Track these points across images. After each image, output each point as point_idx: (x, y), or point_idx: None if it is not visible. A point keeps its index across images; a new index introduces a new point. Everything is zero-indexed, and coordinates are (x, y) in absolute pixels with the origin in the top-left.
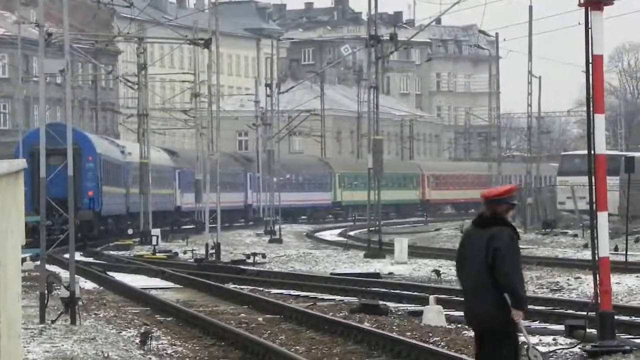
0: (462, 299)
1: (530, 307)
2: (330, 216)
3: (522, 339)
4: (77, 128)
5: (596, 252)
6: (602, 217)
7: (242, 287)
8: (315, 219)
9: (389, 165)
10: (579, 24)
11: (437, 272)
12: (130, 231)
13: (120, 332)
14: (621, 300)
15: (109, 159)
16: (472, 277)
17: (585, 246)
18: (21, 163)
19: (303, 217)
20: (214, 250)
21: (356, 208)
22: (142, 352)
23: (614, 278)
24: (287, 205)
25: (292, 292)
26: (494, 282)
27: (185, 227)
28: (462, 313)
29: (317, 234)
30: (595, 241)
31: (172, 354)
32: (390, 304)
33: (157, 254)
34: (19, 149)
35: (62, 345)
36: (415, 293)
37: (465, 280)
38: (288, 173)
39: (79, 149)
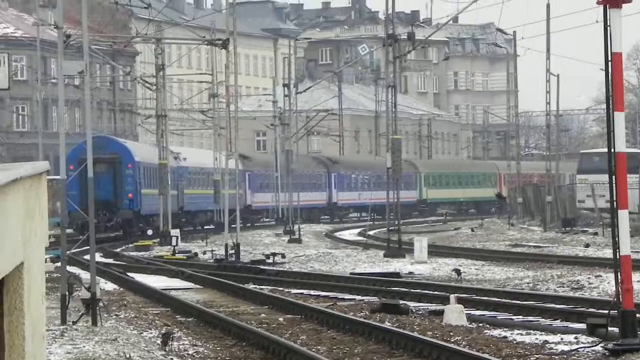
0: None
1: (551, 305)
2: (416, 213)
3: None
4: (117, 139)
5: (617, 250)
6: (623, 215)
7: (262, 287)
8: (402, 216)
9: (470, 165)
10: (597, 21)
11: (458, 271)
12: (150, 232)
13: (142, 333)
14: None
15: (151, 165)
16: None
17: (587, 246)
18: (44, 165)
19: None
20: (233, 251)
21: (442, 205)
22: (163, 352)
23: (636, 276)
24: (371, 203)
25: (312, 292)
26: None
27: (257, 223)
28: (483, 312)
29: (336, 234)
30: (617, 239)
31: (194, 354)
32: (411, 304)
33: (176, 254)
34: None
35: (84, 346)
36: (436, 292)
37: None
38: (374, 173)
39: (119, 157)
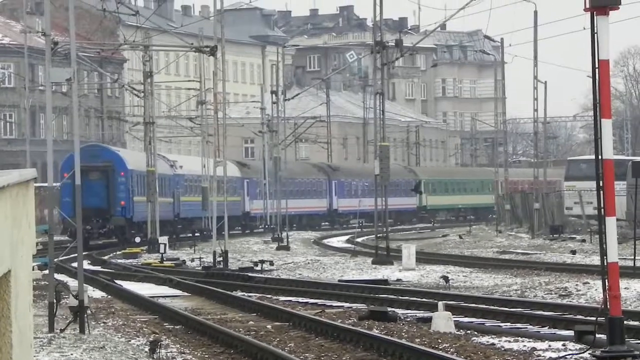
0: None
1: (539, 312)
2: (414, 219)
3: None
4: (110, 148)
5: (605, 257)
6: (610, 222)
7: (250, 294)
8: (402, 222)
9: (468, 172)
10: (585, 28)
11: (446, 278)
12: (137, 239)
13: (129, 341)
14: (630, 305)
15: (144, 172)
16: None
17: (573, 252)
18: (31, 172)
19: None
20: (221, 258)
21: (441, 211)
22: None
23: (623, 283)
24: (370, 210)
25: (301, 300)
26: None
27: (257, 230)
28: (471, 319)
29: (324, 241)
30: (604, 246)
31: None
32: (399, 311)
33: (164, 262)
34: (64, 165)
35: (72, 354)
36: (424, 299)
37: None
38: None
39: (112, 166)
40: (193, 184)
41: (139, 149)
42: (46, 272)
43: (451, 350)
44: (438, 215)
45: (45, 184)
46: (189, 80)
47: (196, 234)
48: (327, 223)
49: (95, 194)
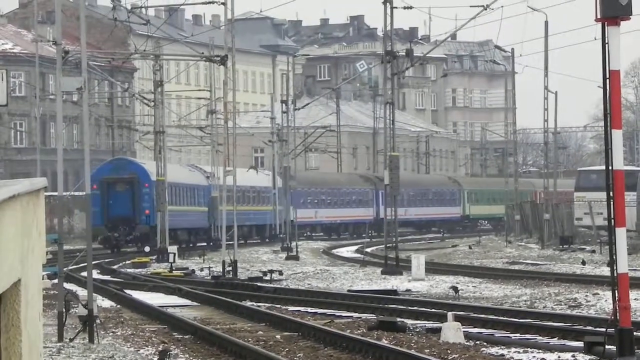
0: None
1: (548, 323)
2: (459, 228)
3: None
4: (135, 161)
5: (615, 268)
6: (620, 233)
7: (259, 304)
8: (447, 231)
9: (507, 183)
10: (595, 39)
11: (455, 289)
12: (147, 248)
13: (139, 350)
14: None
15: (174, 184)
16: None
17: (583, 263)
18: (42, 181)
19: (434, 228)
20: (230, 268)
21: (482, 220)
22: None
23: (633, 294)
24: (417, 219)
25: (310, 310)
26: None
27: (301, 237)
28: (481, 330)
29: (333, 251)
30: (614, 257)
31: None
32: (408, 321)
33: (174, 271)
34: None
35: None
36: (433, 310)
37: None
38: (418, 189)
39: (137, 177)
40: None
41: (149, 158)
42: (56, 281)
43: None
44: (480, 224)
45: (56, 193)
46: (199, 90)
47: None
48: (371, 231)
49: (122, 203)
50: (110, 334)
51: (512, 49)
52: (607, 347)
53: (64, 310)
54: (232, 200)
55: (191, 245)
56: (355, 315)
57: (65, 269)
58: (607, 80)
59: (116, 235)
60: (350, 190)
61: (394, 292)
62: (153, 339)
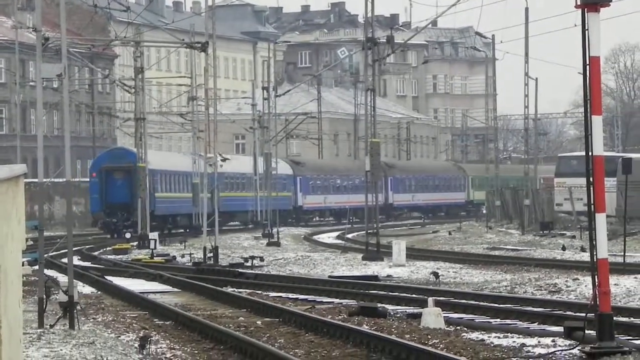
0: (463, 301)
1: (529, 308)
2: (463, 213)
3: None
4: (133, 150)
5: (595, 253)
6: (600, 219)
7: (240, 290)
8: (451, 216)
9: (510, 169)
10: (576, 25)
11: (436, 275)
12: (128, 235)
13: (119, 337)
14: (620, 301)
15: (166, 171)
16: None
17: (563, 249)
18: (21, 168)
19: (440, 213)
20: (211, 254)
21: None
22: (140, 356)
23: (613, 279)
24: (424, 204)
25: (291, 295)
26: None
27: (311, 222)
28: (461, 315)
29: (314, 237)
30: (594, 242)
31: (171, 357)
32: (389, 307)
33: (155, 257)
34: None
35: (61, 349)
36: (414, 295)
37: None
38: (426, 176)
39: (135, 166)
40: (235, 181)
41: (130, 145)
42: (36, 267)
43: (441, 346)
44: (483, 208)
45: (36, 180)
46: (180, 76)
47: (247, 226)
48: (382, 216)
49: (119, 191)
50: (91, 320)
51: (493, 35)
52: (587, 332)
53: (44, 296)
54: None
55: (187, 231)
56: (336, 301)
57: (45, 255)
58: (587, 67)
59: (114, 221)
60: (359, 177)
61: (375, 277)
62: (134, 325)
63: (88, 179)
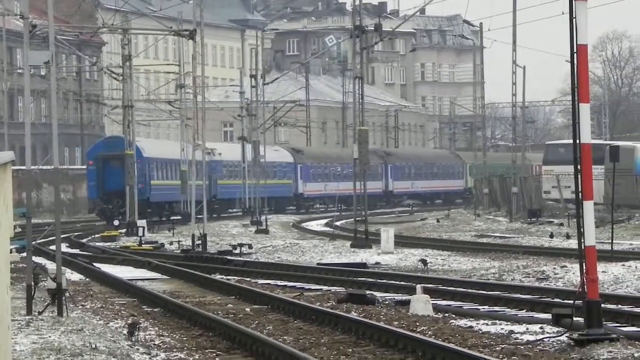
0: (452, 288)
1: (517, 295)
2: (459, 200)
3: None
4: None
5: (582, 240)
6: (588, 206)
7: (229, 277)
8: (450, 203)
9: (506, 157)
10: (563, 13)
11: (424, 262)
12: (116, 222)
13: (108, 323)
14: (607, 288)
15: (161, 159)
16: None
17: (551, 236)
18: (9, 155)
19: (438, 200)
20: (200, 241)
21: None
22: (129, 343)
23: (600, 267)
24: (423, 192)
25: (279, 283)
26: None
27: (312, 210)
28: (449, 302)
29: (303, 224)
30: (582, 230)
31: (160, 344)
32: (377, 294)
33: (143, 245)
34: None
35: (50, 336)
36: (402, 282)
37: None
38: (425, 164)
39: (131, 154)
40: (232, 169)
41: (118, 132)
42: (24, 255)
43: (429, 332)
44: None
45: (24, 167)
46: (168, 64)
47: (238, 213)
48: (383, 203)
49: (116, 178)
50: (80, 307)
51: (481, 23)
52: (574, 319)
53: (32, 283)
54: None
55: (171, 220)
56: (325, 288)
57: (33, 242)
58: (575, 55)
59: (110, 208)
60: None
61: (363, 265)
62: (122, 312)
63: (76, 167)
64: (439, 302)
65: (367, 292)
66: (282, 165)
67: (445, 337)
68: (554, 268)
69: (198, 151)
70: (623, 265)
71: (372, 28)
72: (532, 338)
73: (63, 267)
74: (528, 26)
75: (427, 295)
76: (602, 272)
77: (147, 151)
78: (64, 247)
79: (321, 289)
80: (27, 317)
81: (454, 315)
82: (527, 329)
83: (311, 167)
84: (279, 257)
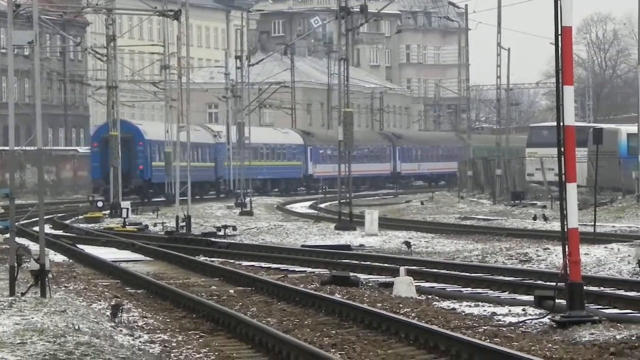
0: (435, 270)
1: (499, 277)
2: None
3: None
4: (131, 122)
5: (565, 223)
6: (571, 189)
7: (212, 259)
8: (454, 184)
9: (510, 140)
10: None
11: (408, 244)
12: (100, 204)
13: (91, 305)
14: (590, 271)
15: (163, 142)
16: None
17: (535, 218)
18: None
19: (442, 182)
20: (184, 223)
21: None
22: (112, 324)
23: (583, 249)
24: (429, 173)
25: (263, 264)
26: None
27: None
28: (432, 284)
29: (287, 207)
30: (565, 212)
31: (143, 326)
32: (361, 276)
33: (127, 226)
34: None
35: (32, 317)
36: (386, 265)
37: None
38: (430, 146)
39: (132, 137)
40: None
41: (102, 113)
42: (7, 235)
43: (412, 314)
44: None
45: (7, 148)
46: (152, 45)
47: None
48: (391, 184)
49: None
50: (63, 288)
51: (466, 5)
52: (557, 301)
53: (15, 264)
54: (186, 156)
55: (197, 197)
56: (309, 270)
57: (16, 223)
58: (559, 37)
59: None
60: (369, 147)
61: (347, 247)
62: (106, 293)
63: (59, 148)
64: (422, 284)
65: (351, 274)
66: (292, 148)
67: (429, 319)
68: (537, 250)
69: (202, 132)
70: (605, 247)
71: (358, 9)
72: (514, 320)
73: (46, 248)
74: (513, 8)
75: (410, 277)
76: (585, 254)
77: (149, 134)
78: (47, 229)
79: (305, 271)
80: (9, 298)
81: (437, 297)
82: (510, 310)
83: (320, 148)
84: (263, 239)
